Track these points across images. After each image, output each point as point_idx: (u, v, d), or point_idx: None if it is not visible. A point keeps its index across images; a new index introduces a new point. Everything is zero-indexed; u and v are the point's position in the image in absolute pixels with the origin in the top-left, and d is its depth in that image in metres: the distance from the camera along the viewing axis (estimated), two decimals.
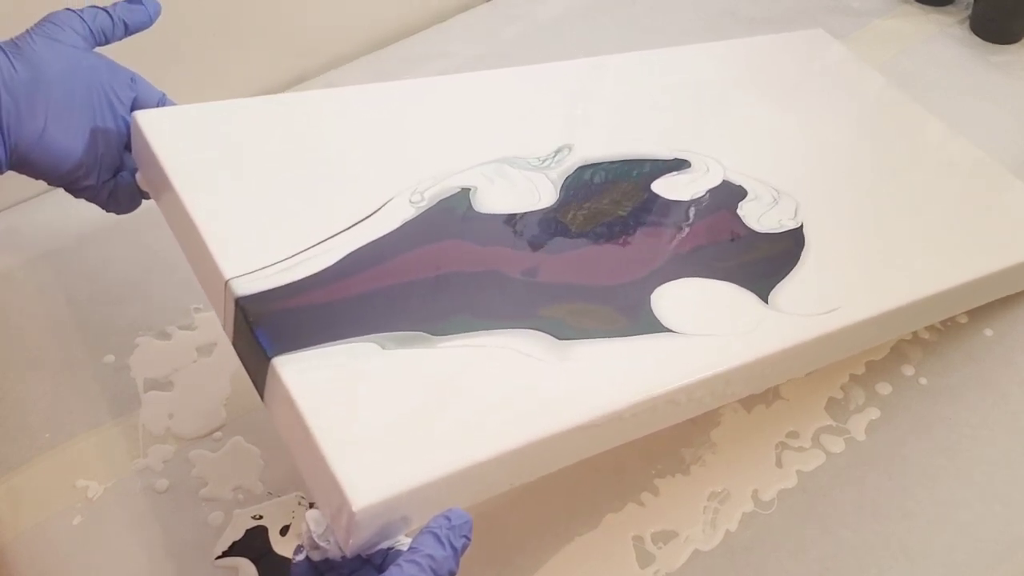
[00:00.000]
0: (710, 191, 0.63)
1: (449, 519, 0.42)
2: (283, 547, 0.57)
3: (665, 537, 0.58)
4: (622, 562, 0.57)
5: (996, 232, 0.66)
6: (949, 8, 0.98)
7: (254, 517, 0.58)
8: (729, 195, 0.63)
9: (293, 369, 0.45)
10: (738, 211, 0.62)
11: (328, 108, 0.60)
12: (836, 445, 0.62)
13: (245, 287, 0.48)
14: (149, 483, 0.60)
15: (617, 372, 0.50)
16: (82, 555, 0.56)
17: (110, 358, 0.66)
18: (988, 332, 0.69)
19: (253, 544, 0.57)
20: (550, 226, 0.57)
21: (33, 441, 0.62)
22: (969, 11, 0.96)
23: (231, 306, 0.48)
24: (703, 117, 0.69)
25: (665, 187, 0.62)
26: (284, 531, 0.58)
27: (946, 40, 0.94)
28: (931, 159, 0.71)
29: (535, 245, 0.56)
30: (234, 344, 0.50)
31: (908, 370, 0.66)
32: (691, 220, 0.60)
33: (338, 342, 0.47)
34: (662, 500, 0.59)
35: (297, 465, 0.46)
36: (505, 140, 0.62)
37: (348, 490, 0.41)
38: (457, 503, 0.44)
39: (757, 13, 0.97)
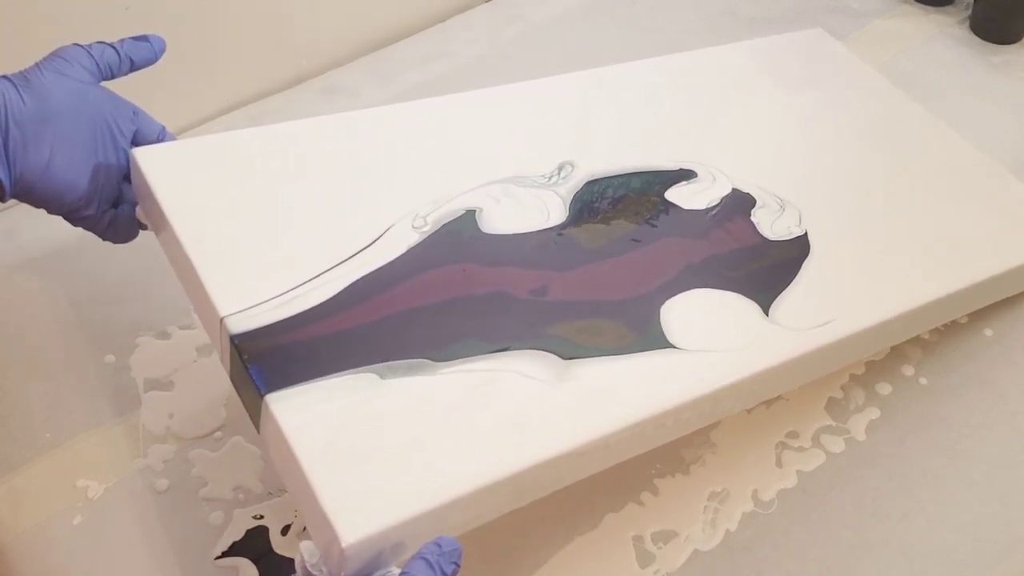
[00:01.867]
0: (723, 199, 0.63)
1: (439, 546, 0.43)
2: (284, 547, 0.57)
3: (665, 537, 0.58)
4: (622, 562, 0.57)
5: (996, 234, 0.66)
6: (949, 8, 0.98)
7: (255, 517, 0.58)
8: (741, 203, 0.63)
9: (286, 406, 0.45)
10: (752, 218, 0.62)
11: (323, 137, 0.60)
12: (836, 445, 0.62)
13: (240, 324, 0.48)
14: (149, 483, 0.60)
15: (614, 394, 0.50)
16: (82, 555, 0.57)
17: (110, 358, 0.66)
18: (988, 332, 0.69)
19: (253, 544, 0.57)
20: (561, 243, 0.57)
21: (33, 441, 0.62)
22: (969, 11, 0.96)
23: (227, 342, 0.48)
24: (703, 125, 0.69)
25: (678, 197, 0.62)
26: (285, 531, 0.58)
27: (946, 40, 0.94)
28: (931, 160, 0.71)
29: (545, 263, 0.56)
30: (231, 378, 0.50)
31: (908, 370, 0.67)
32: (707, 229, 0.60)
33: (335, 375, 0.47)
34: (662, 500, 0.59)
35: (291, 496, 0.46)
36: (505, 159, 0.61)
37: (337, 525, 0.41)
38: (450, 531, 0.44)
39: (757, 13, 0.97)
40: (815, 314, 0.56)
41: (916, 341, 0.68)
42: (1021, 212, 0.68)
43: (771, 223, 0.61)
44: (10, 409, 0.63)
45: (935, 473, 0.61)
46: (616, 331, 0.53)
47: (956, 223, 0.65)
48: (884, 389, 0.65)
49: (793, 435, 0.63)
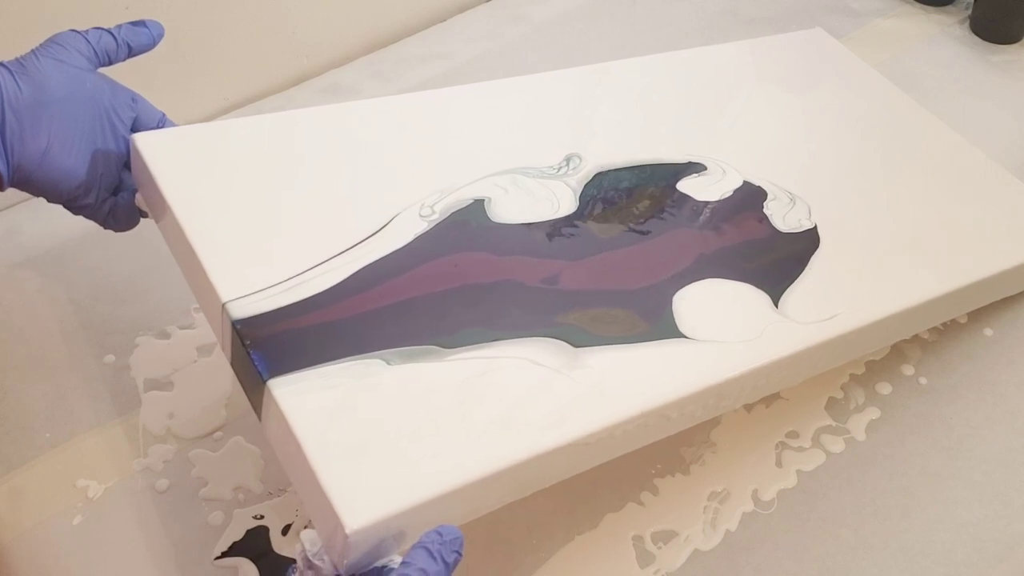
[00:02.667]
0: (735, 191, 0.63)
1: (441, 535, 0.43)
2: (284, 547, 0.57)
3: (665, 537, 0.58)
4: (622, 562, 0.57)
5: (996, 233, 0.66)
6: (949, 8, 0.98)
7: (255, 517, 0.58)
8: (753, 195, 0.63)
9: (288, 391, 0.45)
10: (764, 210, 0.62)
11: (327, 125, 0.60)
12: (836, 445, 0.63)
13: (242, 310, 0.48)
14: (149, 483, 0.60)
15: (624, 383, 0.50)
16: (82, 555, 0.57)
17: (110, 358, 0.66)
18: (988, 332, 0.69)
19: (253, 544, 0.57)
20: (572, 232, 0.57)
21: (33, 441, 0.62)
22: (969, 11, 0.96)
23: (228, 328, 0.48)
24: (707, 122, 0.69)
25: (690, 189, 0.62)
26: (285, 531, 0.58)
27: (946, 40, 0.94)
28: (931, 159, 0.71)
29: (557, 252, 0.56)
30: (232, 365, 0.50)
31: (908, 370, 0.67)
32: (719, 220, 0.60)
33: (339, 361, 0.47)
34: (662, 500, 0.59)
35: (293, 484, 0.46)
36: (511, 151, 0.61)
37: (341, 512, 0.41)
38: (452, 519, 0.44)
39: (757, 13, 0.97)
40: (822, 307, 0.56)
41: (916, 341, 0.68)
42: (1021, 212, 0.68)
43: (783, 216, 0.62)
44: (10, 409, 0.63)
45: (935, 473, 0.61)
46: (628, 320, 0.53)
47: (955, 223, 0.65)
48: (884, 389, 0.65)
49: (793, 435, 0.63)
